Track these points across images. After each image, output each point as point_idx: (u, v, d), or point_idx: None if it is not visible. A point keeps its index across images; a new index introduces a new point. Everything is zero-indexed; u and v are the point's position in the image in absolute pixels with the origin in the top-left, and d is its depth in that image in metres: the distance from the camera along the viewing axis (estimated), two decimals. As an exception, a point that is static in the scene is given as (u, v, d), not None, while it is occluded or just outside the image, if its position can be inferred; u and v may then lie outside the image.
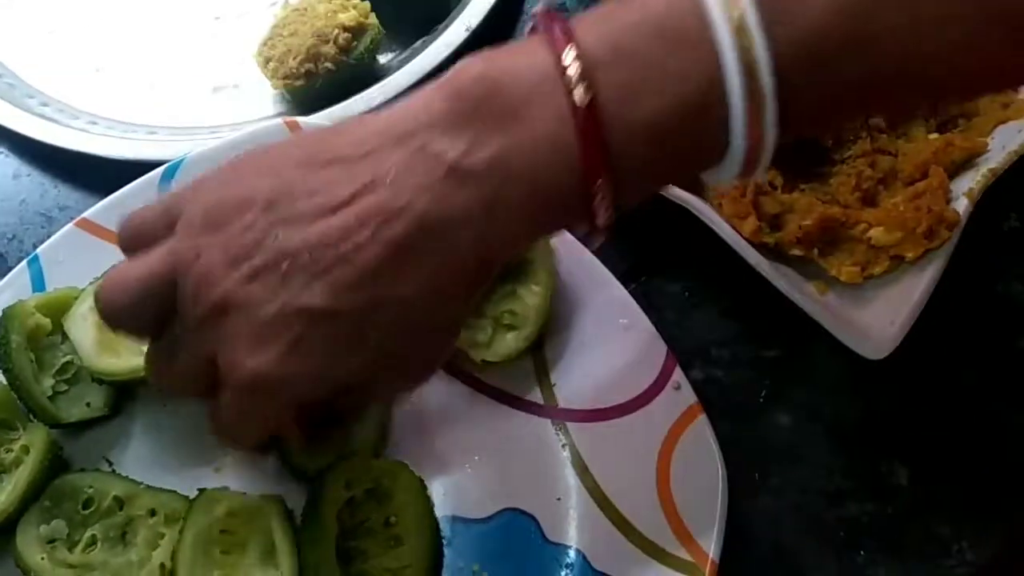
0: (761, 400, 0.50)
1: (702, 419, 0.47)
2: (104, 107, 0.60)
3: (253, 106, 0.61)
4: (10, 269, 0.52)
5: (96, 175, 0.57)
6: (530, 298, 0.49)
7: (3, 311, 0.48)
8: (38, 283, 0.51)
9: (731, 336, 0.53)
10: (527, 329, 0.49)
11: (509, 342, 0.49)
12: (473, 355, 0.49)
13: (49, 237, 0.52)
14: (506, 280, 0.50)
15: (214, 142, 0.54)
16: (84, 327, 0.47)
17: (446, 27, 0.59)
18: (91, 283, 0.49)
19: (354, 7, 0.57)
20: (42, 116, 0.58)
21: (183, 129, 0.59)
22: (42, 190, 0.58)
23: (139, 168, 0.54)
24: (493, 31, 0.60)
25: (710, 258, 0.52)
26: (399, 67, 0.58)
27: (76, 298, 0.49)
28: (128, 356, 0.47)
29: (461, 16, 0.59)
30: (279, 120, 0.54)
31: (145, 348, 0.47)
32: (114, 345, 0.48)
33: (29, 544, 0.44)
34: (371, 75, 0.58)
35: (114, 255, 0.51)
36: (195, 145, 0.55)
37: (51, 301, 0.49)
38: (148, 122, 0.60)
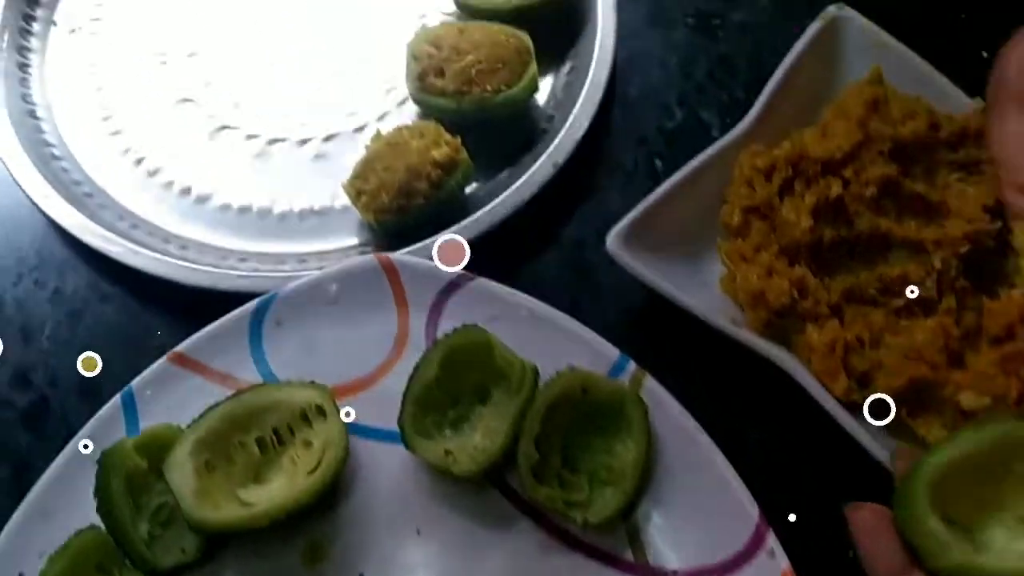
0: (851, 556, 0.50)
1: (795, 588, 0.47)
2: (194, 231, 0.61)
3: (339, 231, 0.61)
4: (102, 392, 0.52)
5: (185, 301, 0.57)
6: (626, 453, 0.49)
7: (102, 454, 0.48)
8: (131, 419, 0.51)
9: (818, 490, 0.53)
10: (625, 484, 0.49)
11: (608, 499, 0.49)
12: (574, 515, 0.48)
13: (138, 364, 0.53)
14: (600, 434, 0.51)
15: (304, 275, 0.54)
16: (183, 474, 0.47)
17: (532, 162, 0.59)
18: (190, 425, 0.49)
19: (446, 143, 0.57)
20: (131, 239, 0.59)
21: (272, 256, 0.60)
22: (130, 313, 0.59)
23: (229, 297, 0.55)
24: (579, 168, 0.61)
25: (794, 408, 0.52)
26: (487, 199, 0.58)
27: (173, 436, 0.49)
28: (227, 507, 0.47)
29: (548, 152, 0.59)
30: (371, 257, 0.54)
31: (241, 496, 0.47)
32: (213, 494, 0.48)
33: None
34: (458, 206, 0.59)
35: (206, 391, 0.52)
36: (284, 276, 0.56)
37: (148, 441, 0.49)
38: (236, 247, 0.60)
